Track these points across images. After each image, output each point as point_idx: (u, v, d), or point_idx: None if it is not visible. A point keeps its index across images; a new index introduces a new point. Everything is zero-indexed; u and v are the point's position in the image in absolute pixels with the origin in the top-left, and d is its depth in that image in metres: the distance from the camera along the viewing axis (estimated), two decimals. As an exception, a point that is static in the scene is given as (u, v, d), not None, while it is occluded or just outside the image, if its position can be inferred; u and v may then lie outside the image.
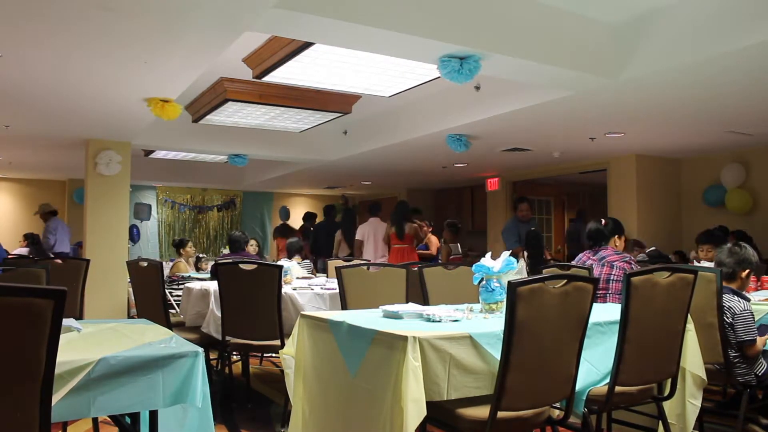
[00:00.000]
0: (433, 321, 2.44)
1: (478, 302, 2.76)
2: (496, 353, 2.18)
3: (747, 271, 3.36)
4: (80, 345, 2.11)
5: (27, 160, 9.02)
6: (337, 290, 3.95)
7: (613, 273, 3.99)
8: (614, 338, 2.49)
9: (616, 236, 4.26)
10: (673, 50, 4.02)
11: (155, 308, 4.14)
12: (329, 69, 4.65)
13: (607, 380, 2.51)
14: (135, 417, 2.17)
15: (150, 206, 11.87)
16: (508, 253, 2.79)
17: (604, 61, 4.34)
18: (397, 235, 7.99)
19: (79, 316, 4.28)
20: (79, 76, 4.59)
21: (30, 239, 8.98)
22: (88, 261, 4.67)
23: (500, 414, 2.12)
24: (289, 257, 6.65)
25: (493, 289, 2.68)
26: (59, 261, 4.74)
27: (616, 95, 4.87)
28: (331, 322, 2.52)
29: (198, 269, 6.99)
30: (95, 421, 3.12)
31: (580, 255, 4.33)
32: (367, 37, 3.62)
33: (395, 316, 2.55)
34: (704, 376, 2.89)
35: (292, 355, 2.69)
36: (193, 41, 3.80)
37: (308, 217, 10.74)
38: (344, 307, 3.48)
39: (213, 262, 4.94)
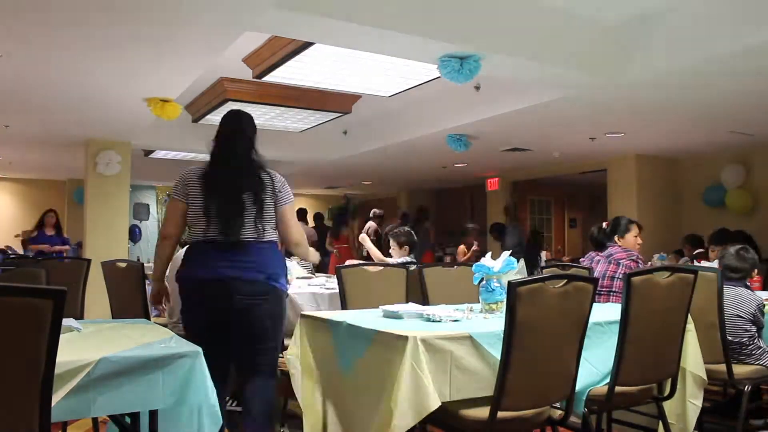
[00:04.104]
0: (433, 321, 2.44)
1: (479, 302, 2.76)
2: (497, 353, 2.17)
3: (755, 271, 3.48)
4: (80, 345, 2.11)
5: (27, 160, 9.02)
6: (337, 290, 3.95)
7: (619, 271, 4.01)
8: (614, 338, 2.49)
9: (616, 236, 4.28)
10: (673, 50, 4.02)
11: (135, 312, 3.93)
12: (329, 69, 4.65)
13: (608, 380, 2.50)
14: (135, 417, 2.16)
15: (148, 206, 11.87)
16: (508, 253, 2.79)
17: (604, 61, 4.34)
18: (333, 235, 9.29)
19: (80, 316, 4.27)
20: (79, 76, 4.59)
21: None
22: (88, 261, 4.66)
23: (500, 414, 2.12)
24: (288, 257, 6.63)
25: (494, 289, 2.67)
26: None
27: (616, 95, 4.87)
28: (330, 322, 2.52)
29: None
30: (95, 421, 3.12)
31: (590, 252, 4.41)
32: (367, 37, 3.62)
33: (395, 316, 2.54)
34: (705, 376, 2.89)
35: (297, 356, 2.69)
36: (193, 41, 3.80)
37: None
38: (344, 307, 3.48)
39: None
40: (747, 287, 3.37)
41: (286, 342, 3.26)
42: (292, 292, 4.26)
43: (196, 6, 3.27)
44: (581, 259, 4.50)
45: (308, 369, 2.65)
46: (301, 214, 9.99)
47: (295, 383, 2.69)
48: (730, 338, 3.19)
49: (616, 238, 4.27)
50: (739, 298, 3.27)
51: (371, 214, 10.42)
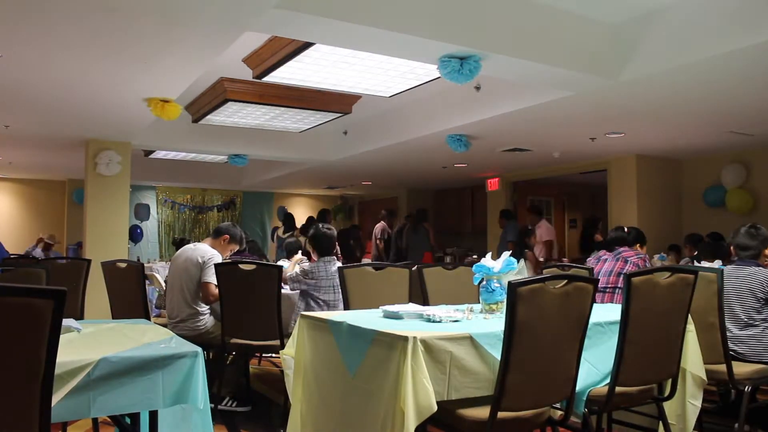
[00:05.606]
0: (434, 321, 2.44)
1: (479, 302, 2.76)
2: (497, 353, 2.17)
3: None
4: (80, 345, 2.11)
5: (27, 160, 9.02)
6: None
7: (627, 268, 4.05)
8: (614, 338, 2.49)
9: (638, 245, 4.35)
10: (673, 50, 4.02)
11: (135, 312, 3.99)
12: (329, 69, 4.65)
13: (608, 380, 2.50)
14: (135, 417, 2.16)
15: (148, 206, 11.88)
16: (509, 253, 2.80)
17: (604, 61, 4.33)
18: None
19: (80, 316, 4.27)
20: (79, 76, 4.59)
21: None
22: (88, 261, 4.66)
23: (500, 414, 2.12)
24: (288, 257, 6.63)
25: (494, 290, 2.67)
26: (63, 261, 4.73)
27: (616, 95, 4.87)
28: (330, 322, 2.52)
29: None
30: (95, 421, 3.12)
31: (599, 251, 4.45)
32: (367, 37, 3.61)
33: (395, 316, 2.55)
34: (705, 377, 2.89)
35: (292, 355, 2.69)
36: (193, 41, 3.80)
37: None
38: (346, 307, 3.48)
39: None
40: (759, 266, 3.37)
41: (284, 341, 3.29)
42: (292, 291, 4.27)
43: (196, 6, 3.27)
44: (588, 259, 4.54)
45: (302, 368, 2.65)
46: (324, 217, 9.80)
47: (289, 382, 2.69)
48: (741, 316, 3.21)
49: (638, 246, 4.34)
50: (753, 275, 3.29)
51: (381, 214, 10.38)
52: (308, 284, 4.04)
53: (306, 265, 4.14)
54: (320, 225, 4.34)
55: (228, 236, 4.40)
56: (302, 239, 9.18)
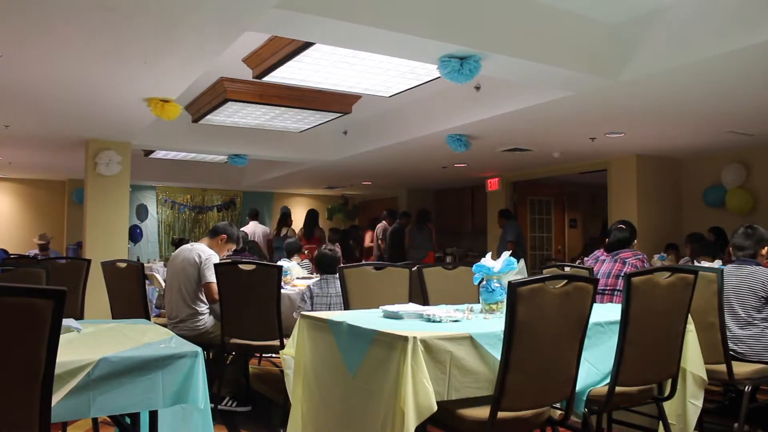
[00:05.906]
0: (434, 321, 2.44)
1: (479, 302, 2.76)
2: (497, 353, 2.17)
3: (766, 248, 3.52)
4: (80, 345, 2.11)
5: (27, 160, 9.02)
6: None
7: (625, 269, 4.05)
8: (614, 338, 2.49)
9: (635, 241, 4.36)
10: (673, 50, 4.02)
11: (135, 312, 3.99)
12: (329, 69, 4.65)
13: (608, 380, 2.50)
14: (135, 417, 2.17)
15: (146, 207, 11.89)
16: (509, 253, 2.80)
17: (604, 61, 4.33)
18: (305, 236, 9.56)
19: (80, 316, 4.27)
20: (79, 76, 4.59)
21: None
22: (88, 261, 4.67)
23: (500, 414, 2.12)
24: (289, 257, 6.64)
25: (494, 290, 2.67)
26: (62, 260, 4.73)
27: (616, 95, 4.87)
28: (330, 322, 2.52)
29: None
30: (95, 421, 3.12)
31: (596, 251, 4.42)
32: (367, 37, 3.61)
33: (395, 316, 2.55)
34: (705, 377, 2.89)
35: (292, 355, 2.69)
36: (193, 41, 3.80)
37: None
38: (347, 307, 3.48)
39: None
40: (759, 265, 3.40)
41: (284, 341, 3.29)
42: (292, 291, 4.27)
43: (196, 6, 3.27)
44: (586, 259, 4.53)
45: (302, 368, 2.66)
46: (312, 217, 9.82)
47: (289, 382, 2.69)
48: (742, 314, 3.21)
49: (635, 242, 4.36)
50: (754, 274, 3.31)
51: (383, 215, 10.35)
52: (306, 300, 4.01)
53: (312, 283, 4.09)
54: (323, 246, 4.43)
55: (225, 236, 4.40)
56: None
